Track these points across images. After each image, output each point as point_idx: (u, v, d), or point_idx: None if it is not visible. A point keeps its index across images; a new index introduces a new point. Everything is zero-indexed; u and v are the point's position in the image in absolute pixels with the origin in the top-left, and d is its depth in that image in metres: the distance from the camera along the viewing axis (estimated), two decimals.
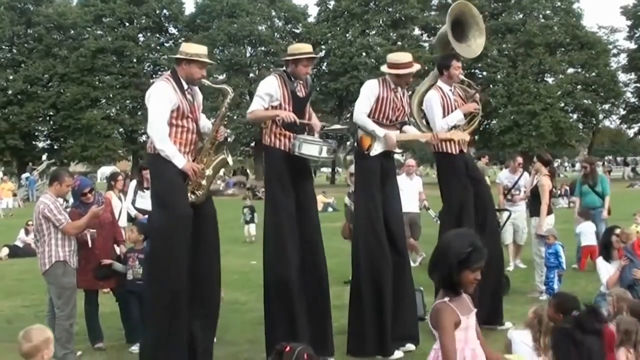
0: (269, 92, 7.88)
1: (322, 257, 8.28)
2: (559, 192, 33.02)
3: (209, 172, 7.40)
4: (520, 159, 14.36)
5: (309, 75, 8.28)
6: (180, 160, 7.16)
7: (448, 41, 9.56)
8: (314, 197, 8.63)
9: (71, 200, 9.83)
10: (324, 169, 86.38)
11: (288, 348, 4.66)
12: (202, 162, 7.37)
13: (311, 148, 7.84)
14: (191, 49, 7.50)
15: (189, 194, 7.27)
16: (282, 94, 7.87)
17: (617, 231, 10.32)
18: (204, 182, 7.37)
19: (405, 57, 8.78)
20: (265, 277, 8.09)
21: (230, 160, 7.66)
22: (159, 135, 7.14)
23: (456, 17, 9.59)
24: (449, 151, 9.33)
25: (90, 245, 8.87)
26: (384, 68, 8.72)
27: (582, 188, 14.49)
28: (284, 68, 8.12)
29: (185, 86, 7.35)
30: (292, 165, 7.96)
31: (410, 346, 8.41)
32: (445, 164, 9.62)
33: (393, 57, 8.81)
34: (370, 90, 8.54)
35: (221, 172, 65.46)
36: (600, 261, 10.15)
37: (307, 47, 8.20)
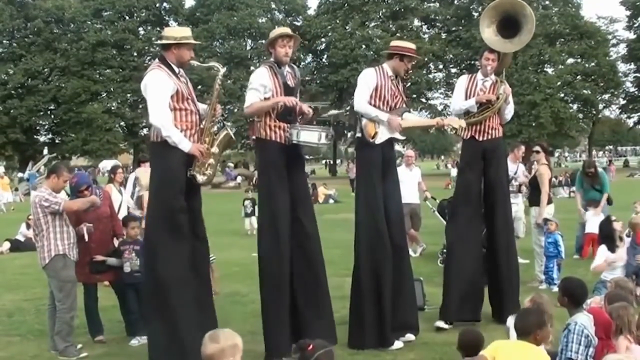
0: (262, 82, 7.87)
1: (318, 247, 8.31)
2: (559, 181, 33.06)
3: (214, 149, 7.46)
4: (523, 148, 14.36)
5: (290, 60, 8.27)
6: (187, 145, 7.23)
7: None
8: (307, 187, 8.67)
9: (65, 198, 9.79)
10: (323, 162, 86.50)
11: (311, 347, 4.66)
12: (206, 142, 7.43)
13: (310, 135, 7.86)
14: (178, 33, 7.58)
15: (198, 175, 7.34)
16: (274, 85, 7.87)
17: (616, 222, 10.44)
18: (211, 161, 7.43)
19: (410, 44, 8.94)
20: (260, 268, 8.11)
21: (232, 134, 7.75)
22: (163, 122, 7.19)
23: (508, 15, 9.45)
24: (461, 136, 9.57)
25: (86, 239, 8.86)
26: (386, 52, 8.82)
27: (585, 187, 14.85)
28: (272, 59, 8.13)
29: (177, 70, 7.43)
30: (286, 157, 7.98)
31: (410, 336, 8.44)
32: (461, 148, 9.97)
33: (399, 42, 8.97)
34: (368, 79, 8.54)
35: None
36: (601, 248, 10.39)
37: (280, 29, 8.22)
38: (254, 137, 8.19)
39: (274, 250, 7.91)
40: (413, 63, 8.85)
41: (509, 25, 9.40)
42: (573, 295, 6.38)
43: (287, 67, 8.13)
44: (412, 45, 8.90)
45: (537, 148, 12.68)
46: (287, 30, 8.20)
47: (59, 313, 8.48)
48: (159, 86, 7.26)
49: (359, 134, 8.65)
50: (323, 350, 4.66)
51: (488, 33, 9.41)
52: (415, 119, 9.22)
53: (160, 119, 7.20)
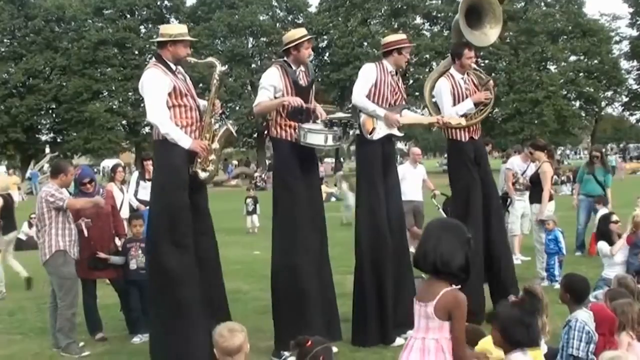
0: (272, 83, 7.90)
1: (326, 246, 8.37)
2: (561, 179, 33.01)
3: (215, 145, 7.49)
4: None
5: (310, 63, 8.33)
6: (187, 141, 7.25)
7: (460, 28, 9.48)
8: (320, 186, 8.71)
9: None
10: (327, 159, 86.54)
11: (309, 343, 4.65)
12: (206, 137, 7.45)
13: (316, 137, 7.88)
14: (173, 30, 7.60)
15: (200, 172, 7.37)
16: (285, 85, 7.89)
17: (614, 218, 10.39)
18: (212, 157, 7.45)
19: (401, 35, 9.01)
20: (274, 265, 8.12)
21: (233, 129, 7.77)
22: (160, 119, 7.22)
23: (472, 3, 9.46)
24: (458, 138, 9.40)
25: (86, 234, 8.88)
26: (382, 51, 8.78)
27: (584, 176, 14.86)
28: (284, 58, 8.13)
29: (174, 67, 7.46)
30: (299, 155, 8.00)
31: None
32: (454, 151, 9.65)
33: (391, 37, 8.94)
34: (368, 73, 8.54)
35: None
36: (601, 243, 10.37)
37: (300, 31, 8.22)
38: (270, 135, 8.23)
39: (291, 246, 7.96)
40: (410, 52, 8.88)
41: (473, 15, 9.42)
42: (575, 291, 6.36)
43: (301, 66, 8.16)
44: (403, 36, 8.95)
45: (530, 149, 12.79)
46: (307, 32, 8.22)
47: (60, 310, 8.49)
48: (155, 84, 7.29)
49: (357, 131, 8.65)
50: (321, 347, 4.65)
51: (467, 30, 9.41)
52: (414, 116, 9.21)
53: (157, 116, 7.23)
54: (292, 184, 7.99)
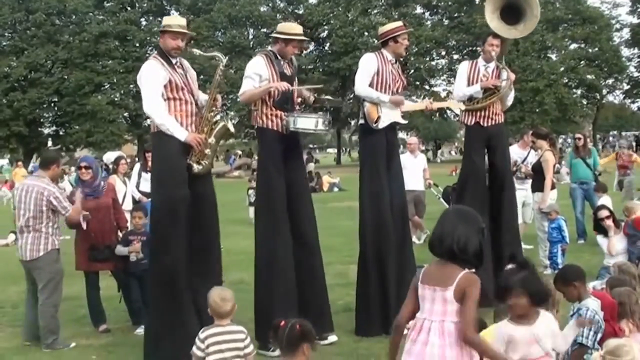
0: (257, 71, 7.92)
1: (315, 237, 8.35)
2: (566, 172, 32.93)
3: (211, 140, 7.51)
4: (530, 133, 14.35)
5: (293, 57, 8.35)
6: (182, 133, 7.29)
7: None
8: (305, 175, 8.71)
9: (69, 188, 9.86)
10: (329, 150, 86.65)
11: (283, 322, 4.74)
12: (203, 131, 7.46)
13: (307, 122, 7.91)
14: (165, 22, 7.65)
15: (194, 165, 7.39)
16: (270, 74, 7.91)
17: (603, 214, 10.37)
18: (207, 151, 7.46)
19: (396, 23, 9.01)
20: (256, 256, 8.15)
21: (230, 126, 7.77)
22: (156, 111, 7.28)
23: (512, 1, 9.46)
24: (465, 122, 9.73)
25: (84, 227, 8.88)
26: (380, 41, 8.81)
27: (573, 160, 15.20)
28: (270, 47, 8.14)
29: (174, 60, 7.47)
30: (284, 146, 8.02)
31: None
32: (465, 135, 10.07)
33: (386, 26, 8.95)
34: (368, 63, 8.57)
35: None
36: (599, 238, 10.37)
37: (298, 28, 8.27)
38: (254, 125, 8.22)
39: (269, 237, 7.97)
40: (410, 40, 8.94)
41: (511, 12, 9.42)
42: (576, 277, 6.30)
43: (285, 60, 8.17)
44: (399, 24, 8.95)
45: (532, 138, 12.83)
46: (302, 32, 8.29)
47: (44, 306, 8.47)
48: (150, 76, 7.35)
49: (361, 121, 8.67)
50: (295, 320, 4.79)
51: (493, 19, 9.42)
52: (410, 104, 9.27)
53: (152, 108, 7.28)
54: (273, 175, 8.01)
